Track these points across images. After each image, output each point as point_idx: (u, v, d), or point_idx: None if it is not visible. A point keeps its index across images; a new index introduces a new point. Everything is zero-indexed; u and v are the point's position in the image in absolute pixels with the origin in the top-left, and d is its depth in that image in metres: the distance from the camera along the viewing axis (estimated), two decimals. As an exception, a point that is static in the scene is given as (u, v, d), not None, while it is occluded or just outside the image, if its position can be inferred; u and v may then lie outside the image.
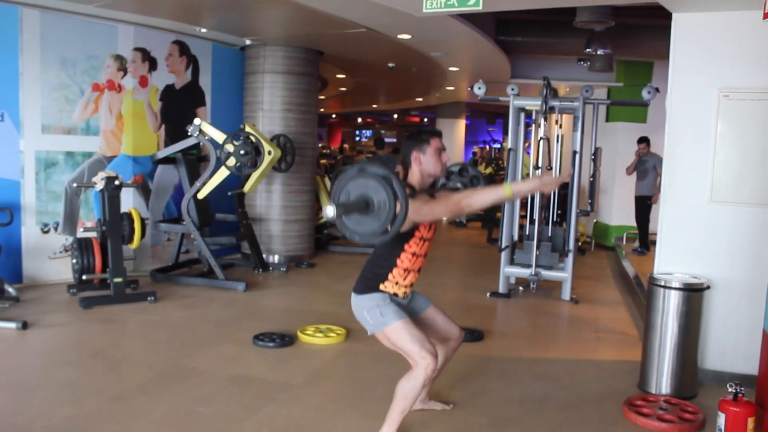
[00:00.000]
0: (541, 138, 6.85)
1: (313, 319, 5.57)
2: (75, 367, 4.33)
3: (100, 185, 5.91)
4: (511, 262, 6.97)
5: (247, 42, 8.10)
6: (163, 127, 7.45)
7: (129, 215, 6.20)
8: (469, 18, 6.71)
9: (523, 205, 7.51)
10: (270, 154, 6.83)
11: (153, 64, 7.28)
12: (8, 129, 6.25)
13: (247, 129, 6.85)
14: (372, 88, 14.77)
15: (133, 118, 7.10)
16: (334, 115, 28.35)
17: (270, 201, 8.20)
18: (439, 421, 3.64)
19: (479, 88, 6.98)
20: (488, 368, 4.62)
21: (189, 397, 3.89)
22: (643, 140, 8.88)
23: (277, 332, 5.09)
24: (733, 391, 3.14)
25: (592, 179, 7.81)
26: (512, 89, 6.84)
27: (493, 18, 8.18)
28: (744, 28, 4.22)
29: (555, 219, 7.29)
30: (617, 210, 10.39)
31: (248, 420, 3.60)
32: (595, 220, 10.87)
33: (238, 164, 6.66)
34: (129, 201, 6.92)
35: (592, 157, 7.57)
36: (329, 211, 2.41)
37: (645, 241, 8.95)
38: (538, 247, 6.82)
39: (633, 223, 9.33)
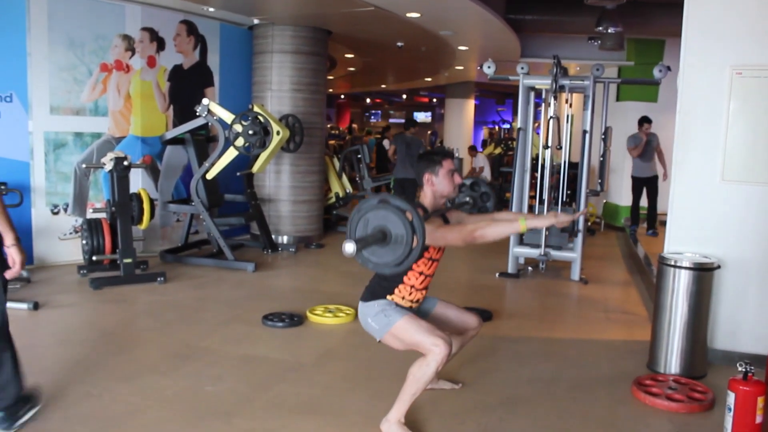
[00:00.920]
0: (551, 117, 6.79)
1: (323, 299, 5.58)
2: (86, 347, 4.36)
3: (109, 166, 5.91)
4: (521, 242, 6.96)
5: (255, 21, 8.05)
6: (172, 107, 7.44)
7: (138, 196, 6.21)
8: (479, -4, 6.65)
9: (533, 185, 7.48)
10: (278, 134, 6.81)
11: (161, 44, 7.25)
12: (17, 110, 6.25)
13: (256, 109, 6.83)
14: (381, 68, 14.70)
15: (142, 98, 7.09)
16: (342, 96, 28.26)
17: (279, 181, 8.19)
18: (449, 401, 3.65)
19: (489, 67, 6.93)
20: (497, 348, 4.62)
21: (199, 376, 3.91)
22: (647, 120, 8.75)
23: (286, 312, 5.11)
24: (743, 370, 3.13)
25: (602, 159, 7.77)
26: (522, 68, 6.78)
27: (503, -5, 8.11)
28: (759, 3, 4.15)
29: (564, 199, 7.26)
30: (627, 190, 10.28)
31: (258, 399, 3.62)
32: (605, 200, 10.82)
33: (247, 144, 6.64)
34: (138, 182, 6.93)
35: (603, 136, 7.52)
36: (349, 247, 2.40)
37: (655, 222, 8.88)
38: (547, 228, 6.80)
39: (643, 203, 9.22)
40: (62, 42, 6.44)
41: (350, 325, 5.03)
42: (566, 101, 7.11)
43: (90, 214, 6.62)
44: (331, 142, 15.51)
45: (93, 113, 6.75)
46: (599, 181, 8.00)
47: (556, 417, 3.52)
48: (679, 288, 4.13)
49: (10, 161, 6.26)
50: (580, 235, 6.65)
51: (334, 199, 9.45)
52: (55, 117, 6.50)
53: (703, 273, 4.14)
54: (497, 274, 6.88)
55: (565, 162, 7.06)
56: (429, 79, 17.07)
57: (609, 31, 7.88)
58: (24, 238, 6.15)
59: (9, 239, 2.95)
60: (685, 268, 4.13)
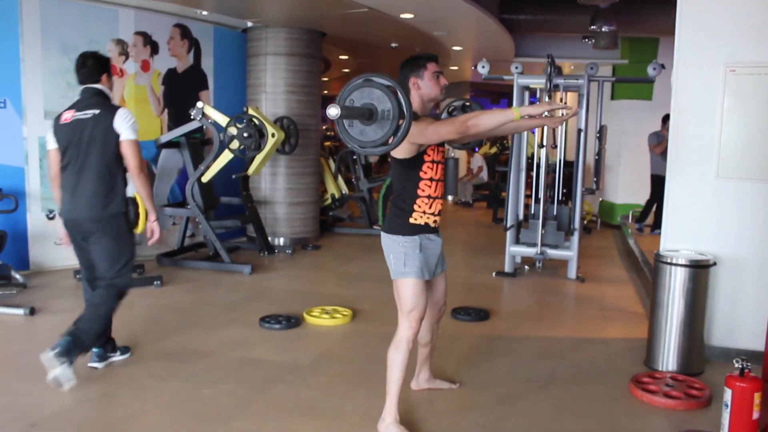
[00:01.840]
0: (546, 116, 6.78)
1: (319, 300, 5.58)
2: (83, 351, 4.34)
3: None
4: (517, 241, 6.96)
5: (249, 24, 8.04)
6: (166, 111, 7.43)
7: (134, 200, 6.17)
8: (472, -4, 6.66)
9: (528, 184, 7.50)
10: (273, 136, 6.80)
11: (154, 48, 7.24)
12: (11, 115, 6.24)
13: (250, 112, 6.82)
14: (375, 69, 14.47)
15: (136, 102, 7.08)
16: (337, 97, 28.22)
17: (274, 183, 8.18)
18: (446, 400, 3.66)
19: (483, 67, 6.94)
20: (494, 347, 4.62)
21: (197, 379, 3.91)
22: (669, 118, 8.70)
23: (283, 314, 5.10)
24: (740, 366, 3.13)
25: (597, 157, 7.77)
26: (516, 67, 6.79)
27: (497, -5, 8.12)
28: (752, 0, 4.16)
29: (560, 198, 7.27)
30: (623, 188, 10.34)
31: (256, 401, 3.62)
32: (600, 199, 10.83)
33: (242, 147, 6.64)
34: (133, 185, 6.90)
35: (598, 135, 7.52)
36: (332, 110, 2.35)
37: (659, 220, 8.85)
38: (543, 226, 6.81)
39: (639, 201, 9.23)
40: (56, 47, 6.42)
41: (347, 326, 5.03)
42: (561, 100, 7.12)
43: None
44: (327, 143, 15.49)
45: (87, 117, 6.72)
46: (594, 179, 7.99)
47: (554, 415, 3.53)
48: (675, 285, 4.14)
49: (5, 167, 6.24)
50: (576, 234, 6.66)
51: (330, 201, 9.45)
52: (49, 122, 6.41)
53: (699, 270, 4.14)
54: (494, 273, 6.89)
55: (560, 161, 7.08)
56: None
57: (603, 29, 7.90)
58: (19, 244, 6.20)
59: (153, 216, 4.40)
60: (681, 265, 4.14)
